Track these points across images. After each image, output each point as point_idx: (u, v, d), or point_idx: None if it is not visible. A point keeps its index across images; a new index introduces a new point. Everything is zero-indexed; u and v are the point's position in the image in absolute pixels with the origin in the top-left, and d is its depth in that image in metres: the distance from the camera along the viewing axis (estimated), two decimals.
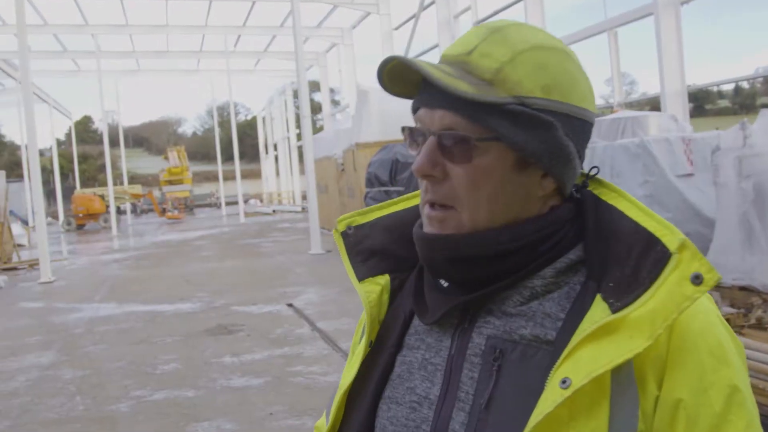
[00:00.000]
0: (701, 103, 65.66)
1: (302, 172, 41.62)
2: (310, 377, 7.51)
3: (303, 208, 42.08)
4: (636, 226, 1.01)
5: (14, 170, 60.28)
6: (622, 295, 0.96)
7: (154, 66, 44.93)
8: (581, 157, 1.10)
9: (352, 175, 20.10)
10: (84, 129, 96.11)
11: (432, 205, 1.09)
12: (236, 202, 43.62)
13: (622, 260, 1.00)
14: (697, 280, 0.93)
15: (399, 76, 1.10)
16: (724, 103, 72.79)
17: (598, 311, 0.98)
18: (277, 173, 59.42)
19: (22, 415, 6.90)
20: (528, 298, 1.05)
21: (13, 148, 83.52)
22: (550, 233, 1.07)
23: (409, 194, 1.23)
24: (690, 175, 10.06)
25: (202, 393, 7.20)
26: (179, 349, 9.12)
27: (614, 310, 0.96)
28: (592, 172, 1.14)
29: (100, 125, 67.59)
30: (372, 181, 15.98)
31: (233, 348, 8.98)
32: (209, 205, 63.89)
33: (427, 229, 1.10)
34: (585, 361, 0.93)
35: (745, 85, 64.85)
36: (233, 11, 33.44)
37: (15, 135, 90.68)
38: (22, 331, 11.11)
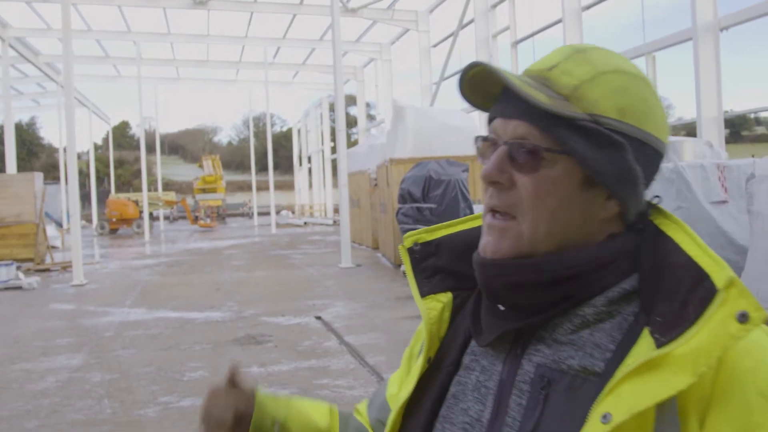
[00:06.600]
0: (738, 129, 65.04)
1: (335, 185, 41.88)
2: (337, 391, 7.53)
3: (334, 222, 42.20)
4: (689, 260, 0.99)
5: (50, 172, 61.03)
6: (668, 331, 0.94)
7: (194, 75, 45.48)
8: (647, 186, 1.09)
9: (385, 191, 20.09)
10: (121, 134, 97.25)
11: (494, 213, 1.09)
12: (268, 213, 43.79)
13: (672, 294, 0.98)
14: (743, 318, 0.90)
15: (479, 86, 1.12)
16: (761, 129, 72.05)
17: (644, 346, 0.96)
18: (310, 186, 59.62)
19: (50, 415, 7.00)
20: (579, 326, 1.05)
21: (51, 150, 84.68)
22: (606, 262, 1.06)
23: (476, 214, 1.21)
24: (724, 202, 10.00)
25: None
26: (207, 357, 9.19)
27: (659, 346, 0.94)
28: (654, 201, 1.12)
29: (138, 131, 68.31)
30: (405, 197, 15.99)
31: (261, 358, 9.03)
32: (241, 215, 64.23)
33: (484, 241, 1.11)
34: (627, 397, 0.92)
35: None
36: (274, 23, 33.72)
37: (53, 137, 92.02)
38: (54, 332, 11.27)
